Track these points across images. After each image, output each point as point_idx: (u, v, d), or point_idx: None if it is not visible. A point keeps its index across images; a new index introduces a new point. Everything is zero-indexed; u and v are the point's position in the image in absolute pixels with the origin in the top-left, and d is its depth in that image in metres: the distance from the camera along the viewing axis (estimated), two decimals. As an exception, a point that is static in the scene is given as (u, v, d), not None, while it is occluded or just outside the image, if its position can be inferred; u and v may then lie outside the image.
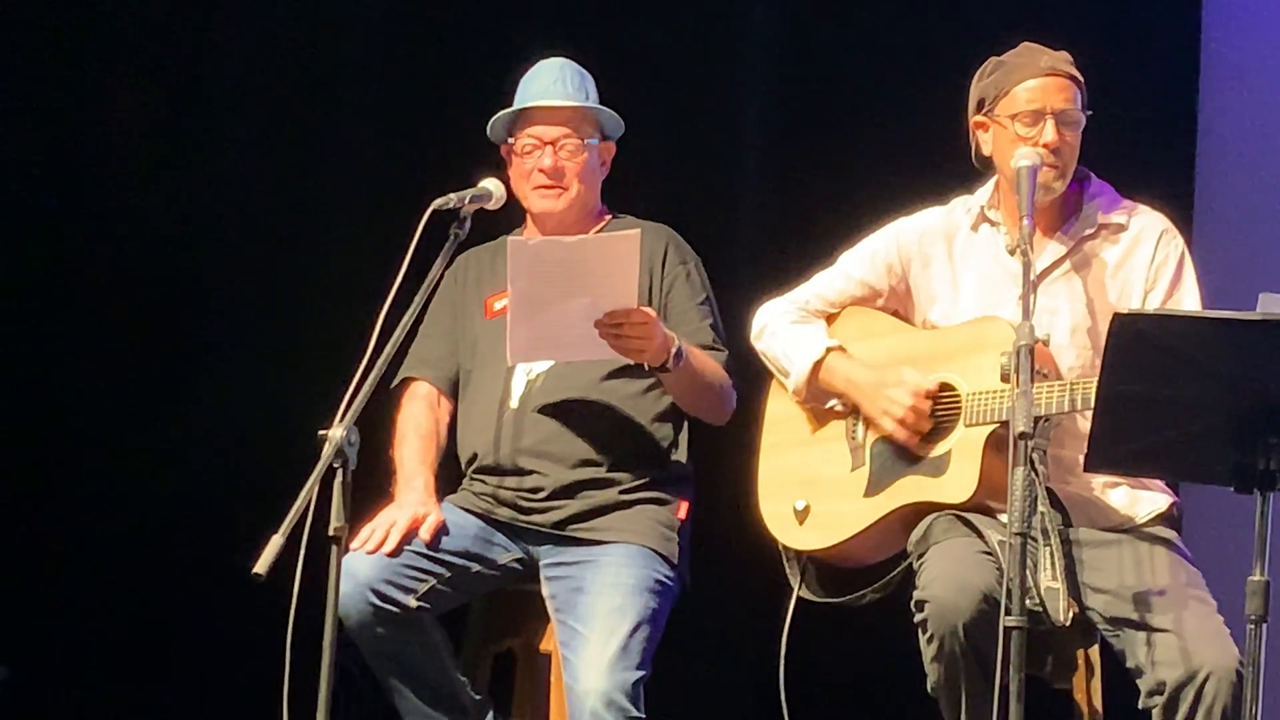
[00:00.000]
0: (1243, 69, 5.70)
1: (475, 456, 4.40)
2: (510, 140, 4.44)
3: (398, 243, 3.96)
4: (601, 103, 4.48)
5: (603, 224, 4.48)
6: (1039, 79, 4.00)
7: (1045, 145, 3.96)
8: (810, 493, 4.16)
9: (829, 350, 4.15)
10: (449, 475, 4.44)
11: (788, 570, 4.21)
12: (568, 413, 4.33)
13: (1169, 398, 3.45)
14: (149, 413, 5.40)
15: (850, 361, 4.14)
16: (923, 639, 3.82)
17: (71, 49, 5.42)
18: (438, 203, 4.10)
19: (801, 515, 4.17)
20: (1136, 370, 3.43)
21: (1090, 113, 4.03)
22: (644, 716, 4.12)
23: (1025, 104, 3.99)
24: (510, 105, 4.45)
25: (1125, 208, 4.10)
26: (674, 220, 4.53)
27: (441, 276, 4.15)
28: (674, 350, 4.19)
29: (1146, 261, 4.05)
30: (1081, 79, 4.04)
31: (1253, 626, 3.44)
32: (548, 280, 4.10)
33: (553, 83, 4.42)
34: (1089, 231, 4.07)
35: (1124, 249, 4.06)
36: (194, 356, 5.42)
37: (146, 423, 5.39)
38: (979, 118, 4.09)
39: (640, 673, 4.13)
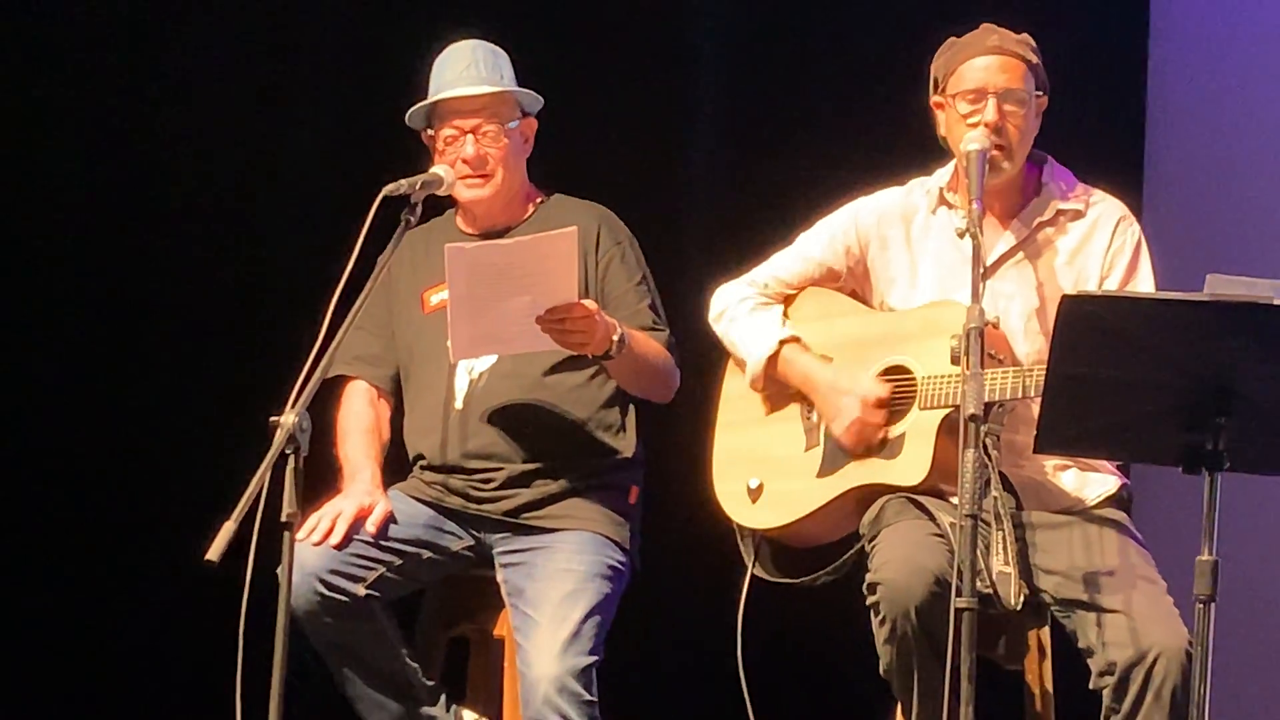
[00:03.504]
0: (1190, 51, 5.73)
1: (422, 456, 4.40)
2: (430, 130, 4.42)
3: (349, 229, 3.95)
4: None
5: (535, 206, 4.46)
6: (984, 57, 3.99)
7: (986, 124, 3.95)
8: (764, 471, 4.17)
9: (783, 343, 4.16)
10: (394, 470, 4.44)
11: (742, 549, 4.21)
12: (513, 413, 4.32)
13: (1118, 379, 3.46)
14: (101, 400, 5.37)
15: (806, 356, 4.15)
16: (875, 621, 3.82)
17: (23, 31, 5.38)
18: (388, 188, 4.08)
19: (755, 494, 4.17)
20: (1085, 352, 3.44)
21: (1040, 94, 4.02)
22: (597, 700, 4.14)
23: (969, 82, 3.98)
24: (426, 91, 4.41)
25: (1083, 193, 4.09)
26: (621, 197, 4.52)
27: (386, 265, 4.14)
28: (616, 338, 4.19)
29: (1103, 248, 4.05)
30: (1035, 60, 4.02)
31: (1201, 606, 3.46)
32: (487, 283, 4.09)
33: (466, 68, 4.37)
34: (1046, 217, 4.06)
35: (1081, 235, 4.06)
36: (145, 343, 5.40)
37: (98, 410, 5.36)
38: (936, 97, 4.08)
39: (593, 658, 4.14)
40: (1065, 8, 5.39)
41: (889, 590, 3.77)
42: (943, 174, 4.16)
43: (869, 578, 3.85)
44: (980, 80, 3.98)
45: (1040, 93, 4.03)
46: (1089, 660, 3.81)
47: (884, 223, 4.16)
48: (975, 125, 3.95)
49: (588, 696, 4.11)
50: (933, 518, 3.86)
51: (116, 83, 5.40)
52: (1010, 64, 3.99)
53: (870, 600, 3.83)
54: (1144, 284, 4.04)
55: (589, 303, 4.17)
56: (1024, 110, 3.99)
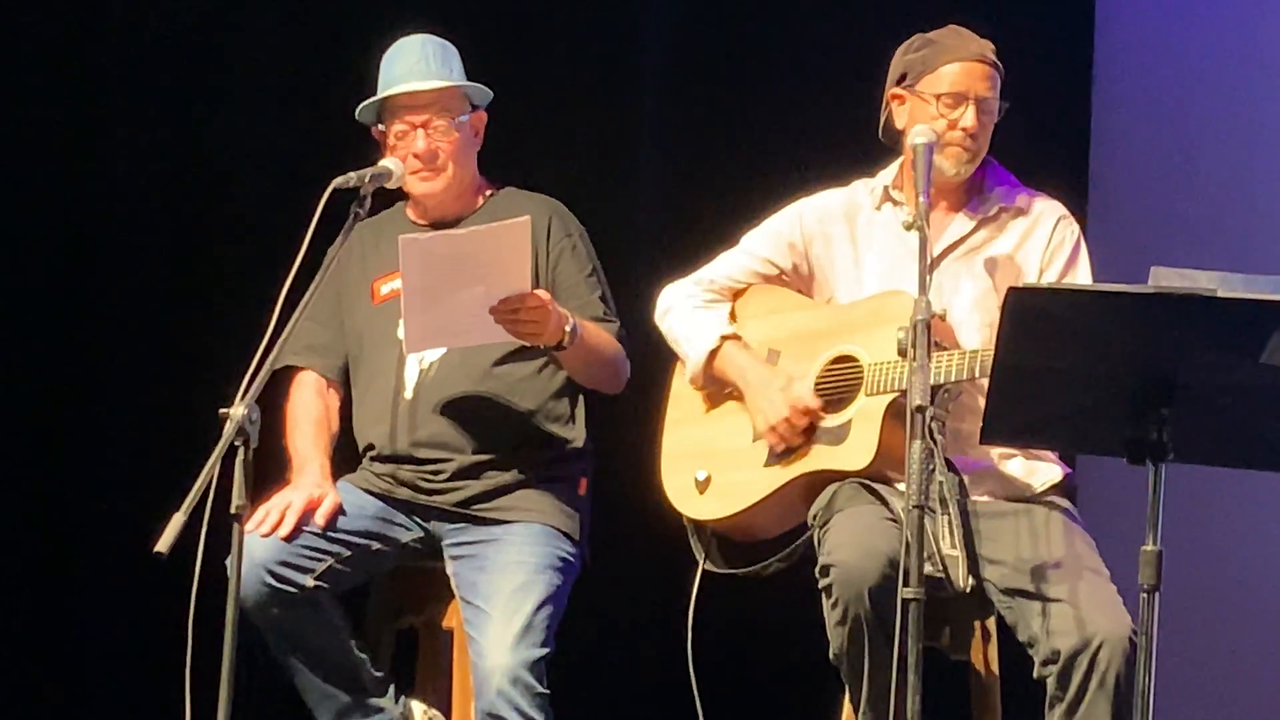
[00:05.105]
0: (1136, 51, 5.78)
1: (372, 446, 4.40)
2: (381, 126, 4.43)
3: (299, 222, 3.95)
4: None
5: (485, 198, 4.48)
6: (966, 63, 4.06)
7: (964, 129, 4.02)
8: (711, 464, 4.19)
9: (724, 339, 4.19)
10: (344, 460, 4.44)
11: (693, 544, 4.23)
12: (463, 403, 4.33)
13: (1063, 370, 3.48)
14: (49, 391, 5.34)
15: (745, 354, 4.18)
16: (826, 604, 3.83)
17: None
18: (338, 181, 4.09)
19: (702, 485, 4.19)
20: (1031, 343, 3.46)
21: (1007, 104, 4.09)
22: (549, 692, 4.15)
23: (950, 85, 4.04)
24: (375, 86, 4.42)
25: (1024, 194, 4.17)
26: (572, 191, 4.54)
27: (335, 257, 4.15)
28: (569, 329, 4.21)
29: (1043, 244, 4.11)
30: (1001, 68, 4.09)
31: (1146, 595, 3.48)
32: (441, 273, 4.10)
33: (415, 63, 4.39)
34: (990, 214, 4.13)
35: (1022, 232, 4.12)
36: (96, 335, 5.38)
37: (47, 402, 5.34)
38: (899, 90, 4.12)
39: (545, 650, 4.16)
40: (1011, 7, 5.42)
41: (842, 572, 3.79)
42: (886, 173, 4.21)
43: (822, 560, 3.86)
44: (964, 85, 4.04)
45: (1004, 101, 4.10)
46: (1031, 651, 3.83)
47: (827, 220, 4.21)
48: (954, 127, 4.02)
49: (540, 689, 4.13)
50: (885, 503, 3.89)
51: (60, 71, 5.37)
52: (990, 73, 4.07)
53: (823, 583, 3.84)
54: (1082, 278, 4.10)
55: (542, 293, 4.18)
56: (993, 119, 4.08)
